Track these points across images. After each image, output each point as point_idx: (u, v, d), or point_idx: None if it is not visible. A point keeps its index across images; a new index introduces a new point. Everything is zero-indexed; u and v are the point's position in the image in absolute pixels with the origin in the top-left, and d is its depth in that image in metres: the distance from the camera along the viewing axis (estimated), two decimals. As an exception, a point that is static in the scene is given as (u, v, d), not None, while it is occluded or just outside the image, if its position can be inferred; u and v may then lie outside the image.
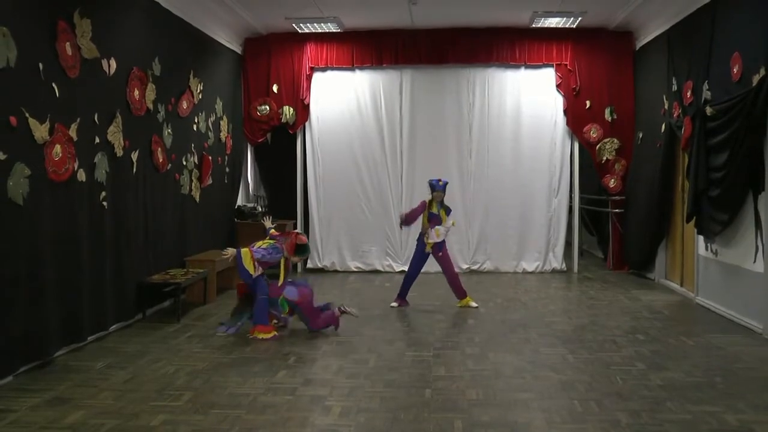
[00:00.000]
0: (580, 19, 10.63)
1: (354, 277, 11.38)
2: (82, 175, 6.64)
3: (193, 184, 9.53)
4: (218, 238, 10.56)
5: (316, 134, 12.01)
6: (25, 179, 5.71)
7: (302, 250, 7.56)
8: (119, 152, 7.38)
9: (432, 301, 9.18)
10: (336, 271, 11.88)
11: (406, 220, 8.92)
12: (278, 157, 12.59)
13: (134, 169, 7.78)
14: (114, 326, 7.39)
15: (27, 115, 5.75)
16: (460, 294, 8.83)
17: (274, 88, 11.87)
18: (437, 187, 8.71)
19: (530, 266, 11.75)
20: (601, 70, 11.54)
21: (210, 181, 10.10)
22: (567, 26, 11.07)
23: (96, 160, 6.92)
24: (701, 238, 8.69)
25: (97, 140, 6.96)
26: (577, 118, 11.59)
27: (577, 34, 11.36)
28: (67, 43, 6.35)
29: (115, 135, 7.28)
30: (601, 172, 11.68)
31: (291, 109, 11.85)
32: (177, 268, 8.75)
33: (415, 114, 11.81)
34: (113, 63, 7.24)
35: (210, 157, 10.03)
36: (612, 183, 11.62)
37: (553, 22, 10.86)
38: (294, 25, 11.04)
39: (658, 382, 5.59)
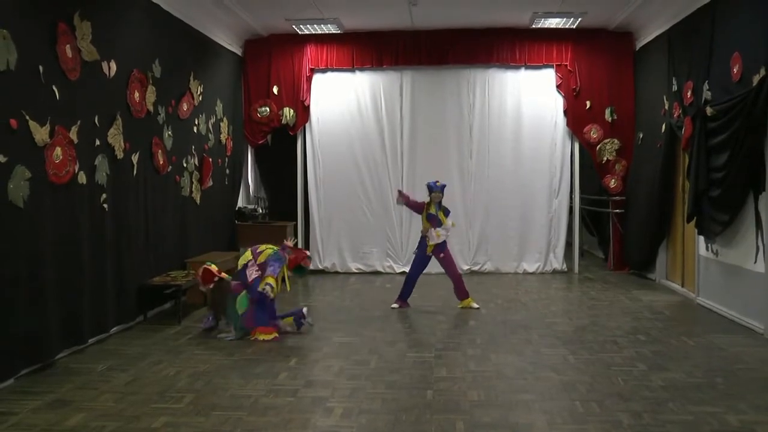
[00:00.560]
0: (580, 19, 10.63)
1: (355, 279, 11.38)
2: (82, 178, 6.64)
3: (193, 186, 9.53)
4: (219, 239, 10.57)
5: (316, 136, 12.01)
6: (26, 182, 5.71)
7: (300, 270, 7.55)
8: (120, 154, 7.39)
9: (433, 302, 9.18)
10: (337, 273, 11.88)
11: (406, 201, 8.96)
12: (279, 159, 12.60)
13: (135, 172, 7.78)
14: (115, 328, 7.39)
15: (27, 117, 5.76)
16: (462, 295, 8.82)
17: (275, 89, 11.88)
18: (434, 189, 8.73)
19: (531, 267, 11.75)
20: (601, 70, 11.54)
21: (210, 183, 10.10)
22: (567, 27, 11.07)
23: (96, 162, 6.92)
24: (702, 238, 8.68)
25: (98, 142, 6.97)
26: (578, 118, 11.59)
27: (577, 34, 11.36)
28: (68, 46, 6.35)
29: (115, 137, 7.28)
30: (602, 173, 11.68)
31: (291, 110, 11.85)
32: (178, 270, 8.74)
33: (416, 115, 11.81)
34: (113, 65, 7.24)
35: (210, 159, 10.04)
36: (612, 183, 11.62)
37: (553, 22, 10.86)
38: (294, 26, 11.04)
39: (659, 383, 5.59)
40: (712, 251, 8.43)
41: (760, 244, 7.22)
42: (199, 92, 9.68)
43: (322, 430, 4.71)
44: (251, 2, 9.97)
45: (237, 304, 7.22)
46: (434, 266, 9.09)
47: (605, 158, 11.58)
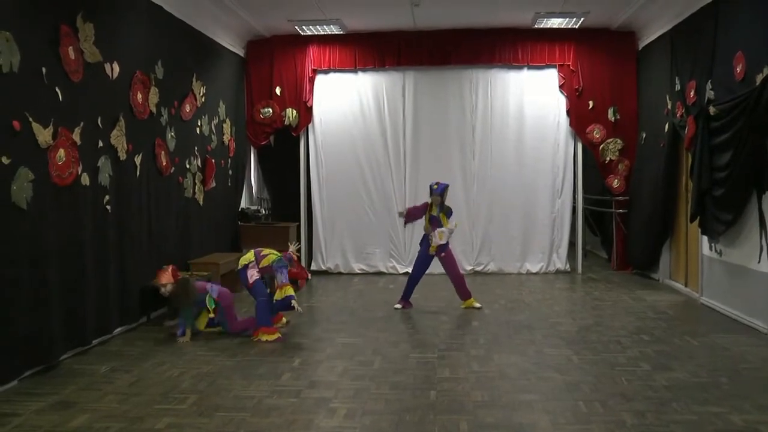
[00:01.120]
0: (582, 19, 10.62)
1: (358, 279, 11.38)
2: (85, 179, 6.65)
3: (196, 187, 9.54)
4: (222, 240, 10.58)
5: (319, 136, 12.01)
6: (29, 183, 5.72)
7: (294, 286, 7.38)
8: (122, 156, 7.39)
9: (436, 302, 9.18)
10: (340, 273, 11.88)
11: (408, 217, 9.08)
12: (281, 160, 12.61)
13: (137, 173, 7.79)
14: (118, 329, 7.40)
15: (30, 119, 5.77)
16: (465, 295, 8.82)
17: (277, 90, 11.88)
18: (434, 192, 8.75)
19: (534, 267, 11.74)
20: (603, 70, 11.53)
21: (213, 184, 10.11)
22: (569, 27, 11.07)
23: (99, 163, 6.93)
24: (705, 238, 8.67)
25: (101, 144, 6.97)
26: (580, 118, 11.58)
27: (579, 34, 11.35)
28: (70, 48, 6.36)
29: (118, 139, 7.29)
30: (605, 173, 11.67)
31: (294, 111, 11.86)
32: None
33: (418, 115, 11.81)
34: (116, 67, 7.26)
35: (213, 160, 10.04)
36: (615, 183, 11.61)
37: (555, 22, 10.85)
38: (296, 27, 11.04)
39: (663, 383, 5.58)
40: (716, 251, 8.42)
41: (763, 243, 7.20)
42: (201, 93, 9.69)
43: (325, 431, 4.70)
44: (253, 3, 9.98)
45: (207, 302, 7.26)
46: (437, 267, 9.09)
47: (608, 158, 11.57)
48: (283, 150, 12.46)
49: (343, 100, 11.93)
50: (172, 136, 8.67)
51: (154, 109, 8.15)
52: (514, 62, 11.61)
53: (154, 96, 8.13)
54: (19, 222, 5.63)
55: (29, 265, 5.76)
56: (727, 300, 8.17)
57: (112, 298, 7.18)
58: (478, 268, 11.76)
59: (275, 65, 11.87)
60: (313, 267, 11.91)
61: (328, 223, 12.05)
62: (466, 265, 11.52)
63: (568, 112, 11.64)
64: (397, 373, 5.99)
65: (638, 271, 11.36)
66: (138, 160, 7.77)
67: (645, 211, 10.74)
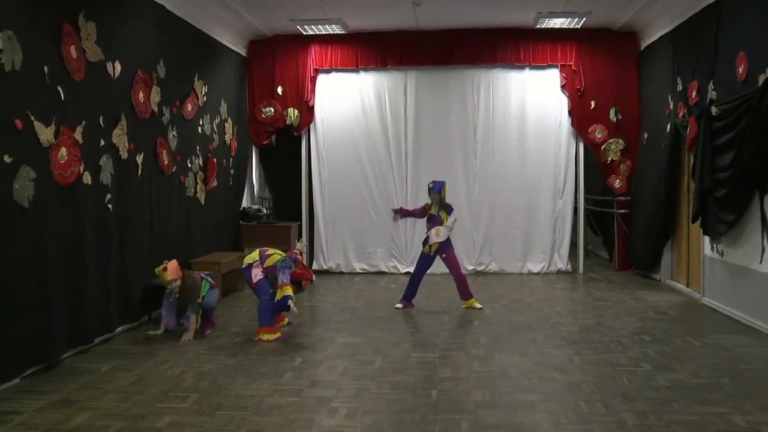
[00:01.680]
0: (584, 19, 10.62)
1: (359, 279, 11.38)
2: (87, 178, 6.65)
3: (198, 187, 9.54)
4: (223, 240, 10.58)
5: (320, 136, 12.01)
6: (31, 182, 5.73)
7: (297, 287, 7.34)
8: (124, 155, 7.40)
9: (437, 302, 9.17)
10: (341, 273, 11.89)
11: (399, 212, 9.23)
12: (283, 159, 12.62)
13: (139, 172, 7.79)
14: (120, 328, 7.41)
15: (32, 118, 5.77)
16: (466, 295, 8.82)
17: (279, 90, 11.89)
18: (431, 191, 8.77)
19: (535, 267, 11.74)
20: (605, 70, 11.53)
21: (215, 184, 10.11)
22: (571, 27, 11.06)
23: (101, 162, 6.94)
24: (707, 238, 8.66)
25: (102, 143, 6.98)
26: (582, 118, 11.58)
27: (581, 34, 11.34)
28: (72, 47, 6.37)
29: (120, 138, 7.30)
30: (606, 173, 11.66)
31: (296, 111, 11.86)
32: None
33: (420, 115, 11.81)
34: (118, 66, 7.26)
35: (215, 160, 10.05)
36: (617, 183, 11.60)
37: (557, 22, 10.85)
38: (298, 26, 11.05)
39: (664, 383, 5.57)
40: (718, 251, 8.41)
41: (765, 244, 7.20)
42: (203, 93, 9.70)
43: (326, 430, 4.70)
44: (255, 3, 9.98)
45: (201, 290, 7.30)
46: (439, 266, 9.08)
47: (610, 158, 11.57)
48: (285, 149, 12.47)
49: (345, 100, 11.93)
50: (173, 135, 8.67)
51: (155, 109, 8.16)
52: (516, 62, 11.61)
53: (155, 95, 8.14)
54: (20, 221, 5.63)
55: (31, 263, 5.76)
56: (729, 300, 8.17)
57: (113, 296, 7.19)
58: (480, 268, 11.76)
59: (277, 65, 11.87)
60: (315, 266, 11.91)
61: (330, 222, 12.05)
62: (467, 265, 11.52)
63: (570, 112, 11.64)
64: (398, 372, 5.99)
65: (640, 271, 11.35)
66: (140, 159, 7.78)
67: (647, 211, 10.74)
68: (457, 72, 11.77)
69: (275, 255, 7.38)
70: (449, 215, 8.71)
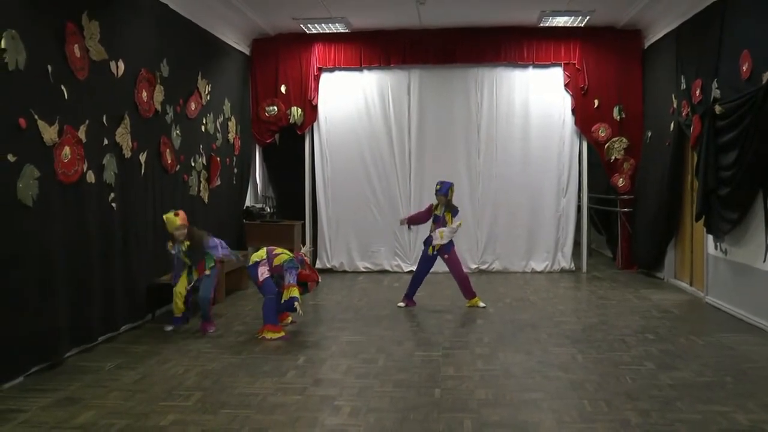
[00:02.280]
0: (588, 17, 10.60)
1: (363, 278, 11.39)
2: (91, 177, 6.67)
3: (201, 185, 9.55)
4: (227, 238, 10.45)
5: (324, 135, 12.02)
6: (35, 181, 5.74)
7: (303, 287, 7.35)
8: (128, 154, 7.41)
9: (441, 301, 9.18)
10: (345, 272, 11.90)
11: (410, 221, 9.21)
12: (286, 158, 12.61)
13: (143, 171, 7.81)
14: (124, 327, 7.42)
15: (36, 117, 5.78)
16: (469, 295, 8.81)
17: (282, 88, 11.89)
18: (437, 192, 8.75)
19: (539, 266, 11.73)
20: (609, 69, 11.51)
21: (218, 182, 10.12)
22: (575, 25, 11.04)
23: (105, 161, 6.95)
24: (711, 237, 8.65)
25: (106, 142, 6.99)
26: (586, 117, 11.57)
27: (585, 33, 11.32)
28: (76, 46, 6.38)
29: (123, 136, 7.31)
30: (610, 172, 11.65)
31: (299, 109, 11.87)
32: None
33: (424, 114, 11.81)
34: (121, 65, 7.27)
35: (218, 158, 10.06)
36: (621, 182, 11.58)
37: (561, 21, 10.83)
38: (302, 25, 11.05)
39: (667, 382, 5.57)
40: (721, 250, 8.40)
41: (769, 242, 7.20)
42: (206, 91, 9.70)
43: (329, 429, 4.71)
44: (259, 2, 9.98)
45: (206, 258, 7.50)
46: (442, 266, 9.08)
47: (613, 157, 11.55)
48: (288, 148, 12.46)
49: (349, 99, 11.93)
50: (177, 134, 8.68)
51: (159, 107, 8.17)
52: (519, 61, 11.60)
53: (159, 94, 8.15)
54: (24, 219, 5.65)
55: (35, 262, 5.78)
56: (733, 299, 8.16)
57: (117, 295, 7.20)
58: (483, 267, 11.76)
59: (280, 63, 11.88)
60: (318, 265, 11.91)
61: (333, 221, 12.06)
62: (470, 264, 11.53)
63: (574, 111, 11.62)
64: (402, 371, 5.99)
65: (643, 270, 11.34)
66: (143, 158, 7.79)
67: (650, 210, 10.72)
68: (461, 71, 11.76)
69: (283, 255, 7.38)
70: (454, 217, 8.72)
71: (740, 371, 5.88)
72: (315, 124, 12.02)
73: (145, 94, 7.79)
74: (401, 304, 8.87)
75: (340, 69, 11.92)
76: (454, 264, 8.77)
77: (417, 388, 5.52)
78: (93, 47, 6.70)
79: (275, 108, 11.89)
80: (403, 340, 7.15)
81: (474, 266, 11.62)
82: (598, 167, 11.95)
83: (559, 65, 11.61)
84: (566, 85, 11.61)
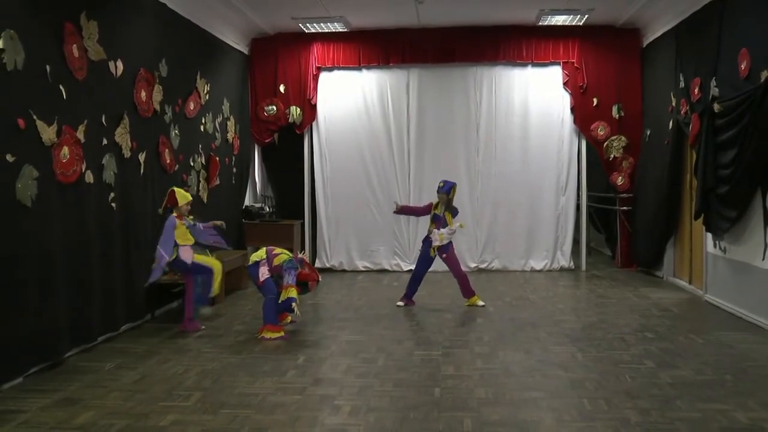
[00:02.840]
0: (587, 16, 10.61)
1: (362, 277, 11.39)
2: (90, 177, 6.66)
3: (200, 185, 9.55)
4: (226, 238, 10.53)
5: (323, 134, 12.01)
6: (34, 181, 5.73)
7: (303, 286, 7.32)
8: (127, 153, 7.41)
9: (440, 300, 9.18)
10: (344, 271, 11.90)
11: (401, 211, 9.27)
12: (285, 158, 12.61)
13: (142, 171, 7.80)
14: (123, 327, 7.42)
15: (35, 117, 5.78)
16: (469, 293, 8.82)
17: (281, 88, 11.89)
18: (440, 190, 8.75)
19: (538, 264, 11.74)
20: (608, 67, 11.51)
21: (217, 182, 10.12)
22: (574, 24, 11.05)
23: (104, 161, 6.95)
24: (710, 235, 8.65)
25: (105, 142, 6.99)
26: (585, 115, 11.57)
27: (584, 31, 11.32)
28: (74, 45, 6.37)
29: (122, 136, 7.31)
30: (609, 170, 11.65)
31: (298, 109, 11.86)
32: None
33: (423, 113, 11.81)
34: (120, 65, 7.27)
35: (217, 158, 10.06)
36: (620, 181, 11.58)
37: (560, 19, 10.84)
38: (300, 25, 11.04)
39: (667, 380, 5.57)
40: (720, 248, 8.40)
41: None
42: (205, 91, 9.70)
43: (329, 428, 4.71)
44: (257, 1, 9.98)
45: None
46: (441, 264, 9.08)
47: (612, 155, 11.56)
48: (287, 148, 12.45)
49: (348, 98, 11.93)
50: (176, 133, 8.68)
51: (158, 107, 8.16)
52: (518, 59, 11.60)
53: (158, 94, 8.14)
54: (24, 219, 5.64)
55: (34, 262, 5.77)
56: (732, 297, 8.16)
57: (117, 295, 7.20)
58: (483, 266, 11.76)
59: (279, 63, 11.87)
60: (318, 264, 11.90)
61: (333, 220, 12.06)
62: (470, 263, 11.53)
63: (573, 110, 11.62)
64: (402, 370, 5.99)
65: (642, 268, 11.34)
66: (142, 157, 7.79)
67: (649, 208, 10.73)
68: (460, 69, 11.76)
69: (282, 255, 7.37)
70: (453, 218, 8.72)
71: (740, 369, 5.88)
72: (314, 124, 12.02)
73: (143, 93, 7.78)
74: (400, 303, 8.87)
75: (339, 68, 11.91)
76: (452, 263, 8.78)
77: (417, 387, 5.52)
78: (91, 47, 6.69)
79: (274, 107, 11.89)
80: (402, 339, 7.15)
81: (473, 265, 11.62)
82: (598, 166, 11.95)
83: (558, 64, 11.61)
84: (565, 84, 11.61)
